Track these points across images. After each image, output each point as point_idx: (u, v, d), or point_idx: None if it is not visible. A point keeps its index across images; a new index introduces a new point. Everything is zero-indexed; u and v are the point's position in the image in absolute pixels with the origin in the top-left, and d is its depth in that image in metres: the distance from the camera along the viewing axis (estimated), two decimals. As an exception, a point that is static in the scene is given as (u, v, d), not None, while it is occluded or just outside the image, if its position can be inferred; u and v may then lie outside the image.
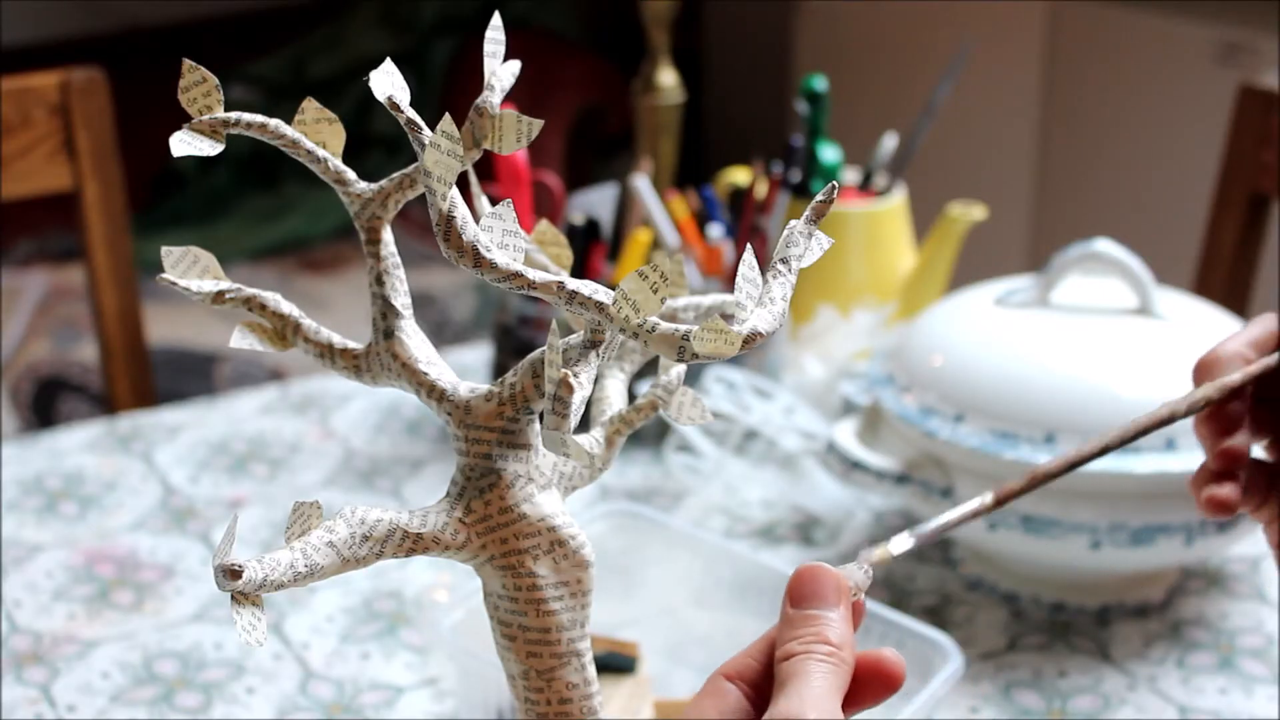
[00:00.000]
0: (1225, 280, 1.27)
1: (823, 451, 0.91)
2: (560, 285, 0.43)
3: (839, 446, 0.87)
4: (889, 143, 1.19)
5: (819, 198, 0.44)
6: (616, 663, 0.73)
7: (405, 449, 1.06)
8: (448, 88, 2.89)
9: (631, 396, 0.52)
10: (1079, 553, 0.81)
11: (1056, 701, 0.78)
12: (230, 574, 0.40)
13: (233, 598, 0.41)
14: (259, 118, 0.47)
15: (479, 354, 1.20)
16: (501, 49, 0.47)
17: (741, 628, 0.80)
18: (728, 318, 0.42)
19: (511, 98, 0.71)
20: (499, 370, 1.06)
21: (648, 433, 1.04)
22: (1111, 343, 0.85)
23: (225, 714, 0.78)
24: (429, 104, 2.81)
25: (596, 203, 1.08)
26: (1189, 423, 0.80)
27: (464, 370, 1.14)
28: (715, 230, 1.06)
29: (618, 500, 0.96)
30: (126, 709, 0.78)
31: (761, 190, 1.08)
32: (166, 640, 0.84)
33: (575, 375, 0.43)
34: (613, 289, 0.42)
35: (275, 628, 0.84)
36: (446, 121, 0.41)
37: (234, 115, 0.46)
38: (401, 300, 0.49)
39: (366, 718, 0.78)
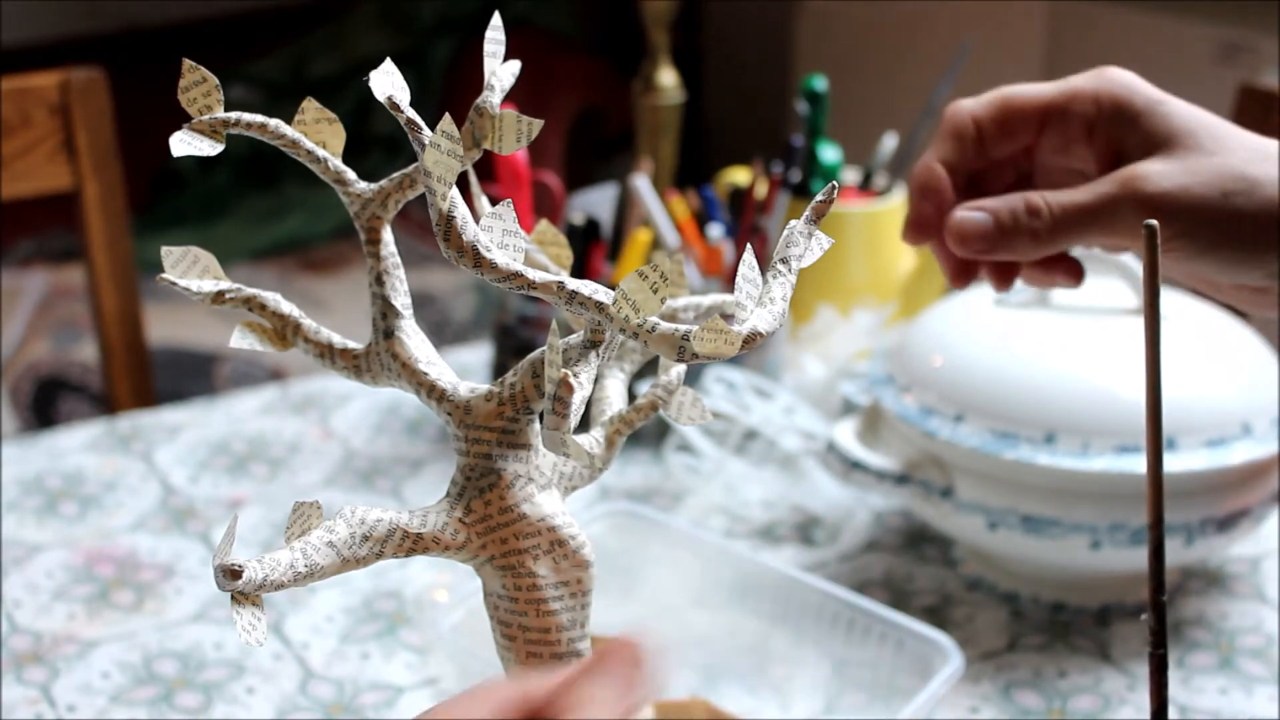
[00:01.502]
0: (1225, 280, 1.27)
1: (823, 451, 0.91)
2: (560, 285, 0.43)
3: (839, 446, 0.87)
4: (889, 143, 1.19)
5: (819, 198, 0.44)
6: (616, 663, 0.73)
7: (405, 449, 1.06)
8: (448, 88, 2.89)
9: (631, 396, 0.52)
10: (1079, 553, 0.81)
11: (1056, 701, 0.78)
12: (230, 574, 0.40)
13: (233, 598, 0.41)
14: (259, 118, 0.47)
15: (479, 354, 1.20)
16: (501, 49, 0.47)
17: (741, 628, 0.80)
18: (728, 318, 0.42)
19: (511, 98, 0.71)
20: (499, 370, 1.06)
21: (648, 433, 1.04)
22: (1111, 343, 0.85)
23: (225, 714, 0.78)
24: (429, 104, 2.81)
25: (596, 203, 1.08)
26: (1189, 423, 0.80)
27: (464, 370, 1.15)
28: (715, 230, 1.06)
29: (618, 500, 0.96)
30: (126, 709, 0.78)
31: (761, 190, 1.08)
32: (166, 640, 0.84)
33: (575, 375, 0.43)
34: (613, 289, 0.42)
35: (275, 628, 0.84)
36: (446, 121, 0.41)
37: (234, 115, 0.46)
38: (401, 300, 0.49)
39: (366, 718, 0.78)
